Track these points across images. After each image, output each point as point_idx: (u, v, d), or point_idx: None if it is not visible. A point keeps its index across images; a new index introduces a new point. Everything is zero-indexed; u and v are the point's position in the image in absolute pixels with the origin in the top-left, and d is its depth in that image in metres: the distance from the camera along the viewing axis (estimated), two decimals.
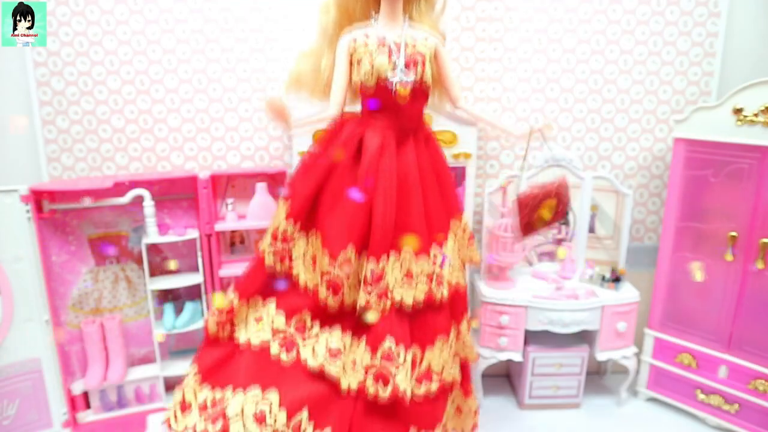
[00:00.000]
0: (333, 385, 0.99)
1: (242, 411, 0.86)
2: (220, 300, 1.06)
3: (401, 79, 1.08)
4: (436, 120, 1.59)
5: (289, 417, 0.91)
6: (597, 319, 1.71)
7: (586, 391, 1.87)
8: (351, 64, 1.14)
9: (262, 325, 0.98)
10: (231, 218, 1.70)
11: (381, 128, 1.07)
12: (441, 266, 1.09)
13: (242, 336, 0.99)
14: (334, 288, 0.98)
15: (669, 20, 1.75)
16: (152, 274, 1.68)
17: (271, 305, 1.01)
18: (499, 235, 1.67)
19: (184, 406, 0.92)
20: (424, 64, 1.13)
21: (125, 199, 1.59)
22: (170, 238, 1.63)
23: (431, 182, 1.14)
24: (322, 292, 0.98)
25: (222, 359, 0.98)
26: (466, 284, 1.23)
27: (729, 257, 1.60)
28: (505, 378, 2.01)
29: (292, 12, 1.68)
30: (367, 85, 1.11)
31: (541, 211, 1.30)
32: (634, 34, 1.76)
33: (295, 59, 1.37)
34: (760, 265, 1.55)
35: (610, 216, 1.88)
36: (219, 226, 1.68)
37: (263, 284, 1.04)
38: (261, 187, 1.69)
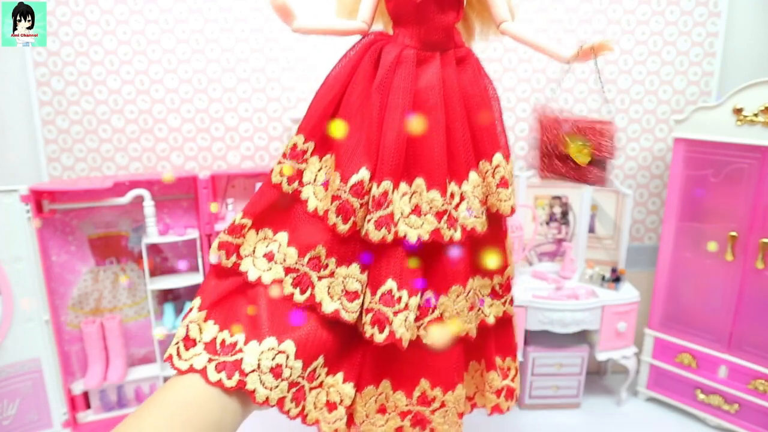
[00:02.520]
0: (347, 327, 0.88)
1: (259, 365, 0.79)
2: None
3: None
4: None
5: (305, 366, 0.83)
6: (597, 319, 1.71)
7: (586, 391, 1.87)
8: None
9: (274, 264, 0.87)
10: (231, 218, 1.70)
11: (401, 42, 0.94)
12: (456, 207, 0.93)
13: (252, 272, 0.88)
14: (345, 214, 0.85)
15: (669, 20, 1.75)
16: (152, 274, 1.68)
17: (283, 239, 0.89)
18: None
19: (188, 343, 0.81)
20: None
21: (125, 199, 1.59)
22: (170, 238, 1.64)
23: (457, 109, 0.97)
24: (331, 218, 0.86)
25: (228, 294, 0.87)
26: (484, 230, 0.96)
27: (729, 257, 1.60)
28: None
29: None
30: None
31: (569, 147, 1.06)
32: (634, 34, 1.76)
33: None
34: (760, 265, 1.55)
35: (610, 216, 1.88)
36: (219, 226, 1.68)
37: (273, 208, 0.90)
38: None
